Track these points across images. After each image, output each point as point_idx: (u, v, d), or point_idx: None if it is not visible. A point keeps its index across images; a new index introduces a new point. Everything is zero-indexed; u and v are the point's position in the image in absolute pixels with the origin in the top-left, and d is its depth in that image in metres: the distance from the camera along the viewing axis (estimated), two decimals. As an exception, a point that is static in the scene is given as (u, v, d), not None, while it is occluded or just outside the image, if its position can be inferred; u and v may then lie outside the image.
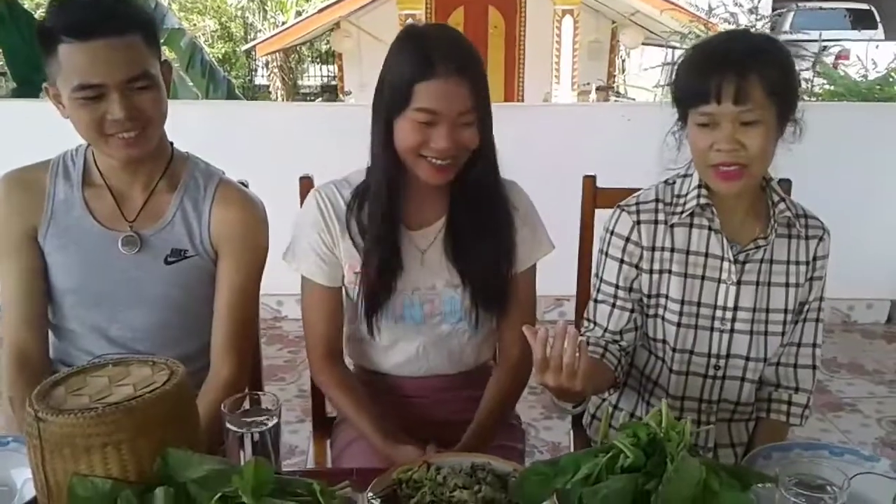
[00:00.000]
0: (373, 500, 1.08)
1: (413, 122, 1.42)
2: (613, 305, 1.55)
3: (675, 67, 1.47)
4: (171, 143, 1.62)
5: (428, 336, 1.62)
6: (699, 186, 1.48)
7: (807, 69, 6.77)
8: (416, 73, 1.40)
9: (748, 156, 1.37)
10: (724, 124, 1.37)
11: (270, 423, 1.13)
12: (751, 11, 6.90)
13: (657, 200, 1.53)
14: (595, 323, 1.56)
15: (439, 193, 1.55)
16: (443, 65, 1.39)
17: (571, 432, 1.92)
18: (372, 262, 1.52)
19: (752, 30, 6.16)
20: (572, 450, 1.86)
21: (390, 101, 1.44)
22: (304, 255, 1.58)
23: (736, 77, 1.34)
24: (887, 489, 1.14)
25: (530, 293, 1.65)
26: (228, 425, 1.13)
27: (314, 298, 1.61)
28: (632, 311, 1.55)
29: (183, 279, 1.58)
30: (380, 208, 1.51)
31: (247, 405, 1.20)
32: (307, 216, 1.58)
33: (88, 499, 0.97)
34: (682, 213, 1.50)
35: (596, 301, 1.57)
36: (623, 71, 13.61)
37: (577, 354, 1.19)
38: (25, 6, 5.33)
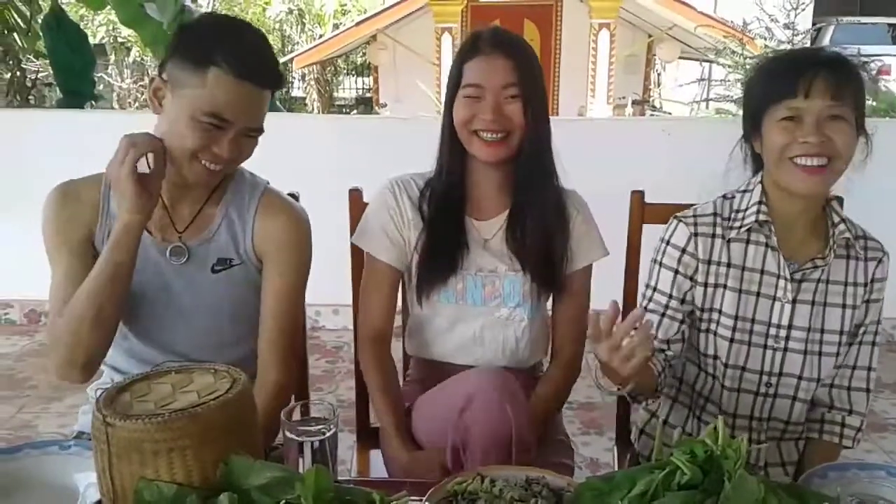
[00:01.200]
0: (429, 512, 1.08)
1: (463, 98, 1.58)
2: (663, 315, 1.54)
3: (747, 77, 1.48)
4: None
5: (486, 319, 1.68)
6: (759, 203, 1.48)
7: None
8: (464, 55, 1.60)
9: (834, 149, 1.37)
10: (808, 119, 1.37)
11: (329, 432, 1.15)
12: (786, 27, 6.84)
13: (715, 214, 1.53)
14: None
15: (504, 184, 1.66)
16: (486, 44, 1.58)
17: (616, 448, 1.92)
18: (433, 241, 1.64)
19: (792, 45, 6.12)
20: (616, 465, 1.85)
21: (449, 84, 1.62)
22: (372, 233, 1.69)
23: (827, 73, 1.36)
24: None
25: (585, 291, 1.73)
26: (288, 433, 1.15)
27: (374, 276, 1.70)
28: (681, 321, 1.54)
29: (230, 287, 1.61)
30: (443, 194, 1.65)
31: (299, 414, 1.21)
32: (379, 199, 1.71)
33: (154, 502, 0.99)
34: (740, 227, 1.49)
35: (645, 309, 1.56)
36: (659, 85, 13.55)
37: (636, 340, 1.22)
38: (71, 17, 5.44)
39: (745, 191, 1.53)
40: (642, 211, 1.84)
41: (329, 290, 2.56)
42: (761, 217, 1.47)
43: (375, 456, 1.83)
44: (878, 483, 1.01)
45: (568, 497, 1.13)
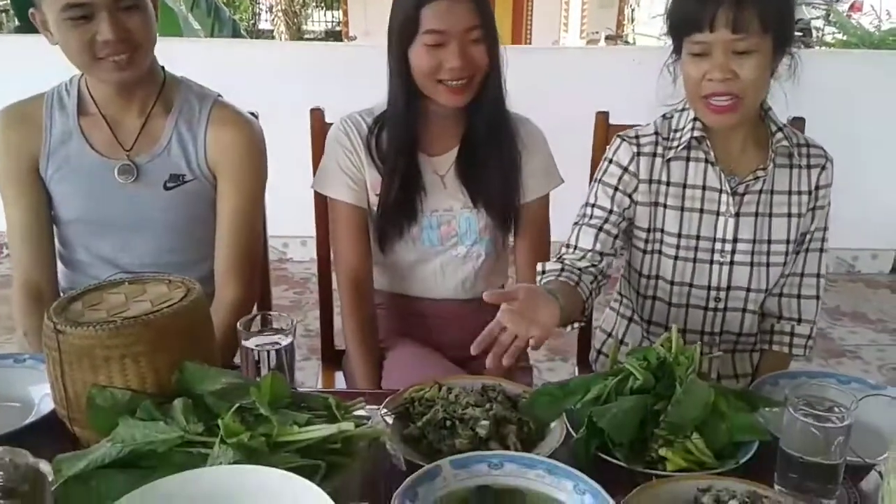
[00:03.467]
0: (386, 417, 1.10)
1: (424, 46, 1.49)
2: (600, 229, 1.52)
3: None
4: (163, 68, 1.60)
5: (444, 258, 1.69)
6: (694, 119, 1.47)
7: (818, 17, 6.67)
8: None
9: (741, 86, 1.36)
10: (717, 53, 1.35)
11: (285, 342, 1.15)
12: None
13: (656, 134, 1.53)
14: (576, 247, 1.53)
15: (455, 120, 1.62)
16: None
17: (576, 370, 1.95)
18: (392, 185, 1.59)
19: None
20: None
21: (401, 30, 1.52)
22: (333, 177, 1.64)
23: (731, 3, 1.32)
24: (894, 414, 1.16)
25: (543, 221, 1.72)
26: (244, 343, 1.15)
27: (342, 221, 1.66)
28: (616, 237, 1.54)
29: (183, 204, 1.58)
30: (397, 135, 1.60)
31: (259, 325, 1.21)
32: (334, 140, 1.65)
33: (107, 409, 0.99)
34: (677, 146, 1.49)
35: (582, 224, 1.54)
36: (632, 21, 13.40)
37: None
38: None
39: (681, 109, 1.52)
40: (606, 131, 1.83)
41: (295, 222, 2.54)
42: (697, 133, 1.47)
43: (340, 378, 1.85)
44: (826, 387, 1.03)
45: (523, 402, 1.14)
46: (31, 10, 1.44)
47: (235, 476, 0.88)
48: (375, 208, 1.64)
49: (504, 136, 1.63)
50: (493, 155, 1.62)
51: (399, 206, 1.62)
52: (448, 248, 1.68)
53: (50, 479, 0.96)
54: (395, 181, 1.60)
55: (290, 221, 2.67)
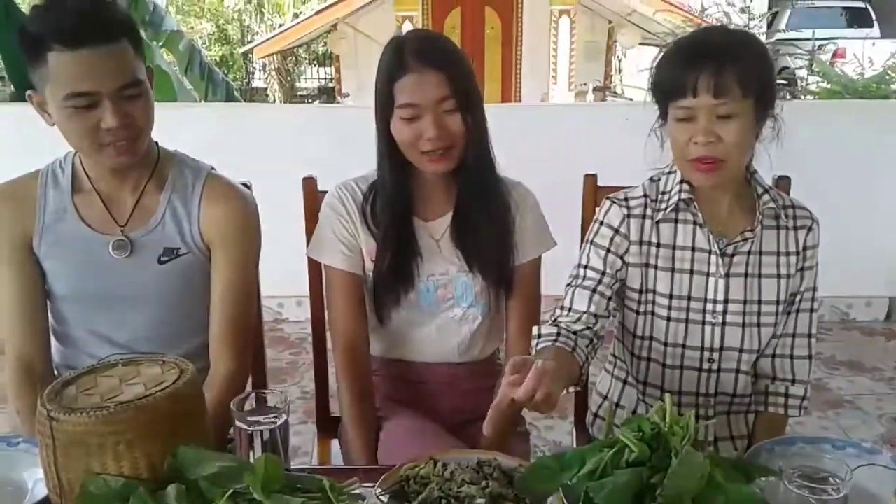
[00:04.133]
0: (381, 497, 1.09)
1: (400, 119, 1.53)
2: (594, 290, 1.53)
3: (654, 63, 1.49)
4: (157, 143, 1.62)
5: (441, 319, 1.69)
6: (681, 182, 1.50)
7: (802, 67, 6.81)
8: (393, 73, 1.53)
9: (725, 149, 1.39)
10: (701, 118, 1.39)
11: (279, 421, 1.15)
12: (743, 11, 6.92)
13: (645, 196, 1.55)
14: (571, 309, 1.54)
15: (447, 185, 1.65)
16: (414, 61, 1.51)
17: (574, 431, 1.94)
18: (387, 252, 1.61)
19: (741, 27, 6.19)
20: (575, 447, 1.87)
21: (380, 105, 1.56)
22: (328, 245, 1.66)
23: (712, 70, 1.36)
24: (890, 481, 1.16)
25: (534, 284, 1.72)
26: (238, 423, 1.14)
27: (337, 288, 1.67)
28: (609, 298, 1.55)
29: (178, 278, 1.58)
30: (389, 203, 1.62)
31: (253, 403, 1.21)
32: (328, 207, 1.67)
33: (101, 497, 0.98)
34: (666, 208, 1.51)
35: (576, 286, 1.56)
36: (620, 71, 13.62)
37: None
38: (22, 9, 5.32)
39: (669, 172, 1.55)
40: (595, 194, 1.85)
41: (291, 282, 2.54)
42: (684, 195, 1.50)
43: (336, 445, 1.84)
44: (821, 456, 1.03)
45: (519, 478, 1.14)
46: (28, 92, 1.46)
47: (229, 567, 0.87)
48: (371, 275, 1.66)
49: (495, 200, 1.65)
50: (486, 219, 1.63)
51: (395, 272, 1.63)
52: (444, 309, 1.69)
53: (42, 570, 0.96)
54: (391, 247, 1.62)
55: (284, 282, 2.68)
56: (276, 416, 1.15)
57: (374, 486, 1.11)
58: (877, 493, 1.15)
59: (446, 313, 1.69)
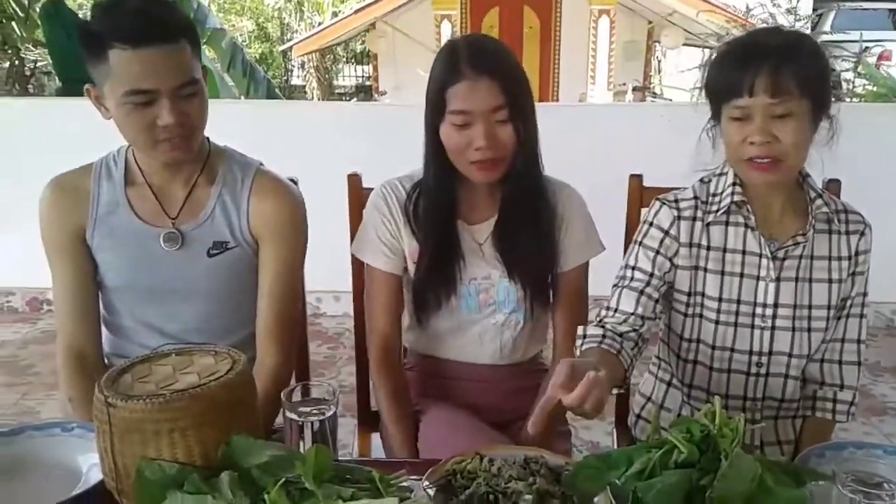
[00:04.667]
0: (428, 489, 1.10)
1: (451, 125, 1.52)
2: (642, 292, 1.52)
3: (708, 64, 1.48)
4: (208, 139, 1.65)
5: (482, 325, 1.68)
6: (734, 184, 1.49)
7: (848, 70, 6.69)
8: (446, 79, 1.51)
9: (781, 149, 1.38)
10: (757, 117, 1.38)
11: (329, 413, 1.16)
12: (789, 12, 6.82)
13: (695, 198, 1.54)
14: (617, 310, 1.53)
15: (493, 189, 1.63)
16: (469, 68, 1.49)
17: (615, 432, 1.93)
18: (430, 254, 1.61)
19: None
20: (616, 448, 1.86)
21: (431, 110, 1.55)
22: (370, 244, 1.67)
23: (769, 70, 1.35)
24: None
25: (581, 289, 1.71)
26: (289, 414, 1.16)
27: (376, 287, 1.68)
28: (657, 301, 1.54)
29: (227, 271, 1.61)
30: (434, 204, 1.61)
31: (300, 395, 1.22)
32: (373, 207, 1.68)
33: (156, 482, 1.00)
34: (717, 210, 1.50)
35: (623, 287, 1.55)
36: (659, 72, 13.50)
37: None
38: (69, 5, 5.42)
39: (720, 174, 1.54)
40: (641, 195, 1.84)
41: (329, 277, 2.57)
42: (737, 198, 1.48)
43: (377, 439, 1.85)
44: (874, 461, 1.02)
45: (566, 475, 1.14)
46: (86, 86, 1.49)
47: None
48: (413, 275, 1.66)
49: (541, 207, 1.63)
50: (530, 227, 1.62)
51: (437, 275, 1.63)
52: (486, 315, 1.68)
53: (99, 552, 0.98)
54: (433, 250, 1.61)
55: (323, 277, 2.69)
56: (325, 407, 1.17)
57: (420, 479, 1.12)
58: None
59: (488, 319, 1.68)
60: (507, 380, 1.75)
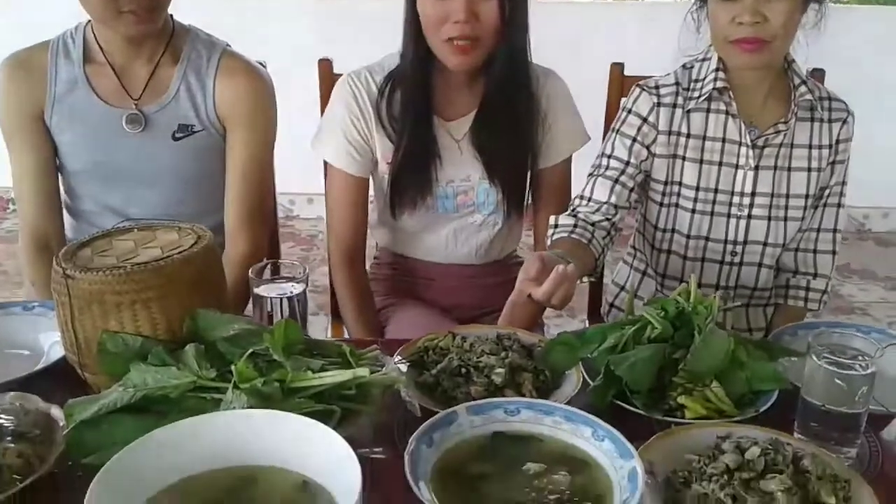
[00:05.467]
0: (400, 364, 1.08)
1: None
2: (616, 181, 1.49)
3: None
4: (171, 16, 1.56)
5: (458, 224, 1.63)
6: (717, 70, 1.44)
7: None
8: None
9: (771, 29, 1.33)
10: None
11: (298, 290, 1.13)
12: None
13: (676, 84, 1.49)
14: (591, 199, 1.50)
15: (473, 84, 1.53)
16: None
17: (587, 324, 1.93)
18: (403, 154, 1.51)
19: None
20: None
21: None
22: (332, 141, 1.56)
23: None
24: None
25: (565, 185, 1.65)
26: (256, 290, 1.13)
27: (339, 189, 1.60)
28: (632, 189, 1.51)
29: (193, 155, 1.55)
30: (410, 96, 1.50)
31: (270, 273, 1.19)
32: (339, 102, 1.56)
33: (119, 354, 0.98)
34: (698, 97, 1.46)
35: (598, 176, 1.51)
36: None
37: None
38: None
39: (703, 59, 1.49)
40: (622, 84, 1.78)
41: (303, 179, 2.50)
42: (719, 84, 1.44)
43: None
44: (849, 336, 1.01)
45: (538, 351, 1.13)
46: None
47: (251, 420, 0.86)
48: (387, 177, 1.57)
49: (523, 100, 1.53)
50: (510, 121, 1.52)
51: (412, 176, 1.54)
52: (464, 215, 1.62)
53: (61, 424, 0.96)
54: (408, 148, 1.51)
55: (296, 179, 2.63)
56: (294, 286, 1.14)
57: (392, 357, 1.10)
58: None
59: (465, 219, 1.62)
60: (481, 278, 1.72)
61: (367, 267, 1.79)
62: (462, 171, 1.57)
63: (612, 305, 1.76)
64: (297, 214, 4.16)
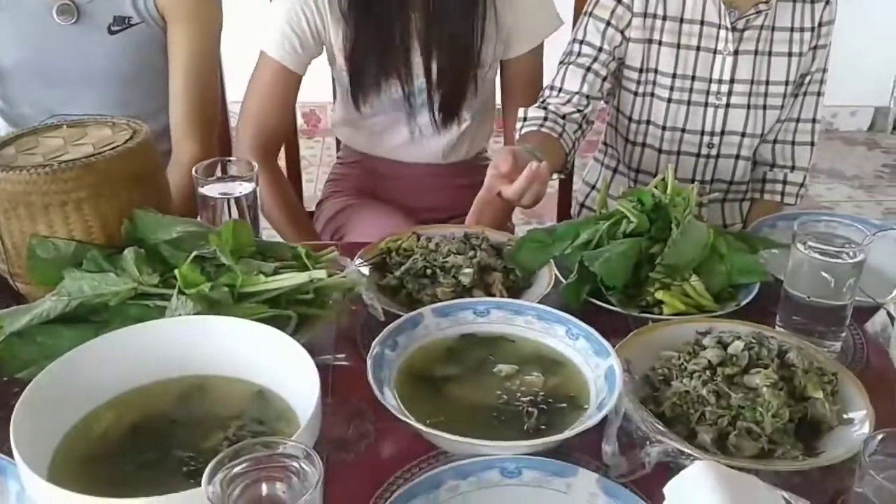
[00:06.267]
0: (361, 267, 1.01)
1: None
2: (588, 69, 1.41)
3: None
4: None
5: (422, 120, 1.53)
6: None
7: None
8: None
9: None
10: None
11: (247, 189, 1.04)
12: None
13: None
14: (562, 89, 1.42)
15: None
16: None
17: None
18: (363, 36, 1.41)
19: None
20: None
21: None
22: (274, 30, 1.44)
23: None
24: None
25: (536, 76, 1.55)
26: (202, 190, 1.04)
27: (268, 82, 1.47)
28: (604, 78, 1.43)
29: (132, 50, 1.43)
30: None
31: (218, 172, 1.09)
32: None
33: (51, 260, 0.89)
34: None
35: (569, 64, 1.43)
36: None
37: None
38: None
39: None
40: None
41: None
42: None
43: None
44: (835, 224, 0.96)
45: (508, 249, 1.06)
46: None
47: (200, 326, 0.80)
48: (345, 70, 1.46)
49: None
50: (462, 13, 1.40)
51: (372, 61, 1.43)
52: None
53: (-8, 337, 0.88)
54: (366, 31, 1.40)
55: (245, 84, 2.47)
56: (243, 184, 1.05)
57: (352, 259, 1.03)
58: (885, 266, 1.09)
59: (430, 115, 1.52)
60: (448, 178, 1.64)
61: (330, 167, 1.71)
62: (417, 67, 1.46)
63: (582, 206, 1.69)
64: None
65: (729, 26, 1.37)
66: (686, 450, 0.73)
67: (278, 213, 1.51)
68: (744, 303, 0.98)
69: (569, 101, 1.41)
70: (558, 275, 1.01)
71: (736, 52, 1.39)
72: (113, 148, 0.94)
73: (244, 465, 0.57)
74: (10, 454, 0.73)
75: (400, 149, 1.59)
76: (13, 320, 0.83)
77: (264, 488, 0.57)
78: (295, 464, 0.57)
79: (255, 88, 1.50)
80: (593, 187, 1.67)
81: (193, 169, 1.05)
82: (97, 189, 0.91)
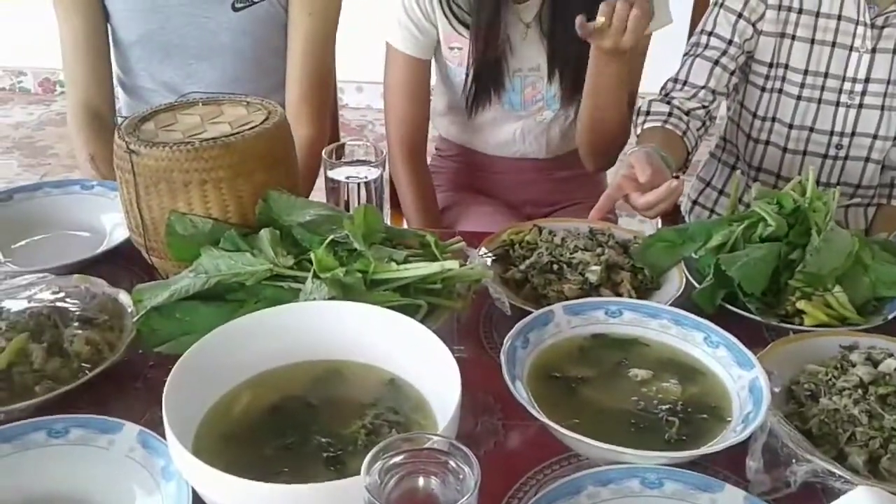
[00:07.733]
0: (485, 257, 1.00)
1: None
2: (716, 62, 1.36)
3: None
4: None
5: (527, 122, 1.52)
6: None
7: None
8: None
9: None
10: None
11: (375, 174, 1.04)
12: None
13: None
14: (686, 83, 1.38)
15: None
16: None
17: (659, 221, 1.81)
18: (477, 35, 1.38)
19: None
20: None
21: None
22: (394, 21, 1.45)
23: None
24: None
25: (638, 67, 1.50)
26: (331, 174, 1.04)
27: (398, 73, 1.48)
28: (732, 73, 1.38)
29: (253, 28, 1.44)
30: None
31: (343, 156, 1.10)
32: None
33: (189, 237, 0.90)
34: None
35: (695, 56, 1.38)
36: None
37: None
38: None
39: None
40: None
41: (351, 65, 2.37)
42: None
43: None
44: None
45: (636, 248, 1.03)
46: None
47: (334, 311, 0.80)
48: (448, 63, 1.46)
49: None
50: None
51: (484, 65, 1.41)
52: (532, 113, 1.50)
53: (129, 310, 0.90)
54: (478, 33, 1.38)
55: (344, 65, 2.47)
56: (371, 169, 1.05)
57: (477, 250, 1.02)
58: None
59: (534, 116, 1.51)
60: (549, 171, 1.62)
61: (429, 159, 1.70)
62: (530, 61, 1.44)
63: (695, 203, 1.64)
64: (345, 103, 4.02)
65: (868, 23, 1.31)
66: (837, 471, 0.69)
67: (415, 212, 1.53)
68: (891, 317, 0.93)
69: (694, 95, 1.36)
70: (690, 277, 0.98)
71: (873, 50, 1.33)
72: (252, 128, 0.94)
73: (401, 456, 0.56)
74: (149, 426, 0.75)
75: (505, 145, 1.57)
76: (153, 295, 0.85)
77: (420, 481, 0.56)
78: (452, 462, 0.56)
79: (389, 84, 1.51)
80: (708, 184, 1.61)
81: (323, 152, 1.05)
82: (236, 169, 0.92)
